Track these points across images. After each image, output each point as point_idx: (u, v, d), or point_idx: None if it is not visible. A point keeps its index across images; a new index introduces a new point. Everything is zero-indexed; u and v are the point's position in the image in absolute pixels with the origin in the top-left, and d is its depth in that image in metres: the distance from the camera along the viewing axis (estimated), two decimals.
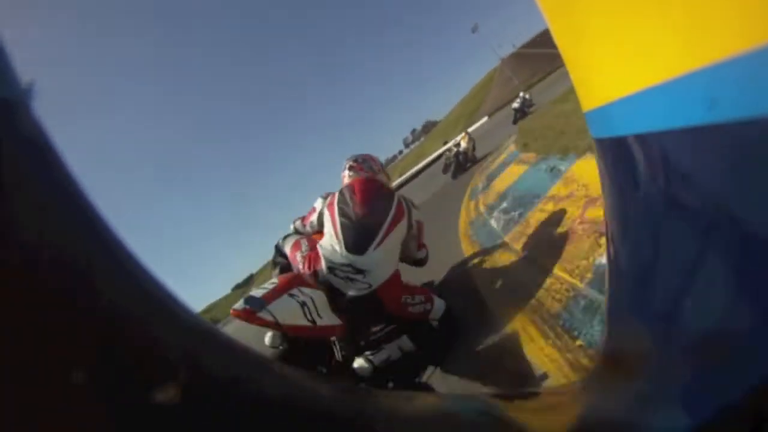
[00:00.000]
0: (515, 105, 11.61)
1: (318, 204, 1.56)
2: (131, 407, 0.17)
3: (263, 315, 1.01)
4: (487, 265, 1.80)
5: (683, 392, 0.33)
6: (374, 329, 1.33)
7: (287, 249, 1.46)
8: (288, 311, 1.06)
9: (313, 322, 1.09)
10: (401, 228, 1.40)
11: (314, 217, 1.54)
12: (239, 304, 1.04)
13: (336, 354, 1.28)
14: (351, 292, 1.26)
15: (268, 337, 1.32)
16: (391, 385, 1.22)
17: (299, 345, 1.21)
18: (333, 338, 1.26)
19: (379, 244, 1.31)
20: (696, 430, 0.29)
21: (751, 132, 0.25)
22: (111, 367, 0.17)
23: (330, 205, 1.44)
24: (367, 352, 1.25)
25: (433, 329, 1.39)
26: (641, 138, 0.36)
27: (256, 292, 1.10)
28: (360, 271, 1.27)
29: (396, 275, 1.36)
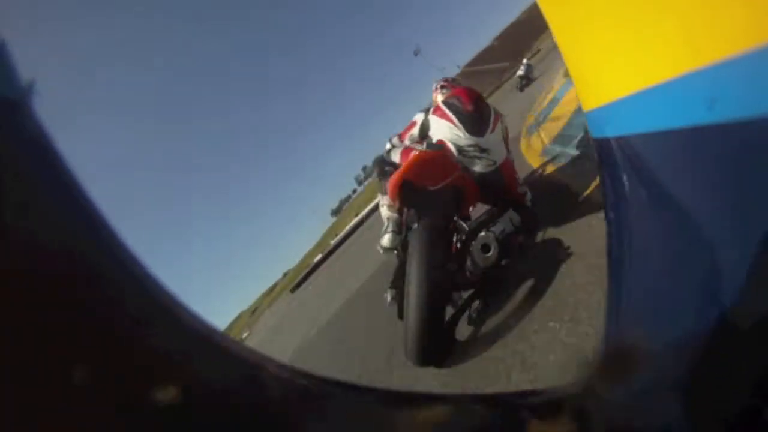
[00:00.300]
0: (520, 72, 11.82)
1: (419, 117, 1.75)
2: (131, 407, 0.17)
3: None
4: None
5: (683, 391, 0.33)
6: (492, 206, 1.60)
7: (397, 157, 1.67)
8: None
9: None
10: (501, 124, 1.67)
11: (415, 130, 1.74)
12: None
13: (456, 239, 1.44)
14: (479, 169, 1.50)
15: (386, 239, 1.61)
16: (504, 261, 1.43)
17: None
18: (456, 219, 1.45)
19: (492, 131, 1.55)
20: (696, 429, 0.29)
21: (752, 132, 0.25)
22: (111, 368, 0.17)
23: (437, 110, 1.63)
24: (490, 227, 1.46)
25: (528, 209, 1.62)
26: (642, 138, 0.36)
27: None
28: (484, 150, 1.50)
29: (510, 160, 1.65)
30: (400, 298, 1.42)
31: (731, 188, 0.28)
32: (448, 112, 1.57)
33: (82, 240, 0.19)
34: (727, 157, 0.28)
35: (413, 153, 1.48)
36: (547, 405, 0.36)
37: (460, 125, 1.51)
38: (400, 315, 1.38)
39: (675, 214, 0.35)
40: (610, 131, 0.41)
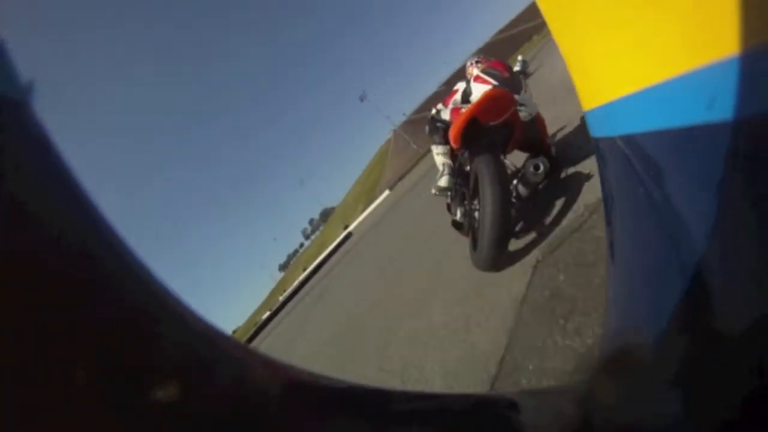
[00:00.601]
0: (516, 68, 12.15)
1: (460, 86, 2.17)
2: (131, 407, 0.17)
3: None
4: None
5: (682, 391, 0.33)
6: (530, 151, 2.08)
7: (447, 115, 2.12)
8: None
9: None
10: (529, 88, 2.22)
11: (458, 96, 2.14)
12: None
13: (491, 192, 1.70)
14: (521, 118, 1.91)
15: (443, 180, 2.03)
16: (541, 186, 1.91)
17: (467, 182, 1.81)
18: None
19: (525, 91, 2.07)
20: (696, 429, 0.29)
21: (750, 130, 0.25)
22: (111, 367, 0.17)
23: (477, 79, 2.06)
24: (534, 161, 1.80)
25: (554, 157, 2.05)
26: (641, 136, 0.36)
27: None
28: (522, 104, 1.93)
29: (541, 115, 2.08)
30: (468, 219, 1.83)
31: (730, 185, 0.29)
32: (488, 78, 1.99)
33: (82, 239, 0.19)
34: (726, 155, 0.28)
35: (486, 90, 1.82)
36: (547, 404, 0.36)
37: (501, 87, 1.89)
38: (467, 232, 1.89)
39: (675, 209, 0.35)
40: (610, 130, 0.41)
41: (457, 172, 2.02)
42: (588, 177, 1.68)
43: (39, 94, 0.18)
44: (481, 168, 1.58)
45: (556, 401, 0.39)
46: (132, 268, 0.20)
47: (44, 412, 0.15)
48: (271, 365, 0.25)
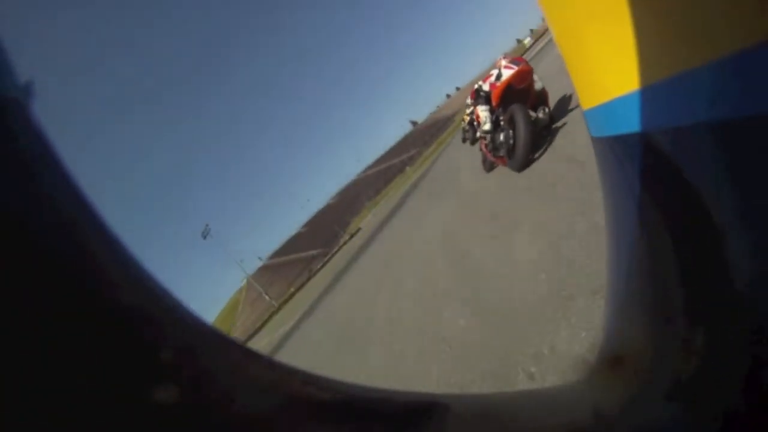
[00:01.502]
0: (464, 125, 11.84)
1: (494, 72, 3.58)
2: (131, 407, 0.17)
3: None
4: None
5: (683, 392, 0.33)
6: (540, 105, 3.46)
7: (487, 87, 3.73)
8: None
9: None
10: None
11: (493, 78, 3.59)
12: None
13: (514, 126, 3.27)
14: (536, 88, 3.45)
15: (487, 125, 3.74)
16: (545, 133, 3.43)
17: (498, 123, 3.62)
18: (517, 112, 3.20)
19: (535, 73, 3.49)
20: (696, 428, 0.29)
21: (751, 130, 0.25)
22: (111, 367, 0.17)
23: (506, 67, 3.45)
24: (542, 110, 3.41)
25: (551, 111, 3.50)
26: (641, 136, 0.36)
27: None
28: (536, 79, 3.46)
29: (545, 89, 3.56)
30: (507, 143, 3.37)
31: (731, 185, 0.29)
32: (513, 64, 3.40)
33: (82, 240, 0.19)
34: (727, 154, 0.28)
35: (515, 70, 3.32)
36: (546, 404, 0.36)
37: (525, 65, 3.43)
38: (506, 152, 3.46)
39: (675, 210, 0.35)
40: (609, 130, 0.41)
41: (494, 122, 3.70)
42: (562, 125, 3.41)
43: (38, 94, 0.19)
44: (516, 111, 3.08)
45: (556, 402, 0.39)
46: (132, 270, 0.20)
47: (44, 412, 0.15)
48: (271, 367, 0.25)
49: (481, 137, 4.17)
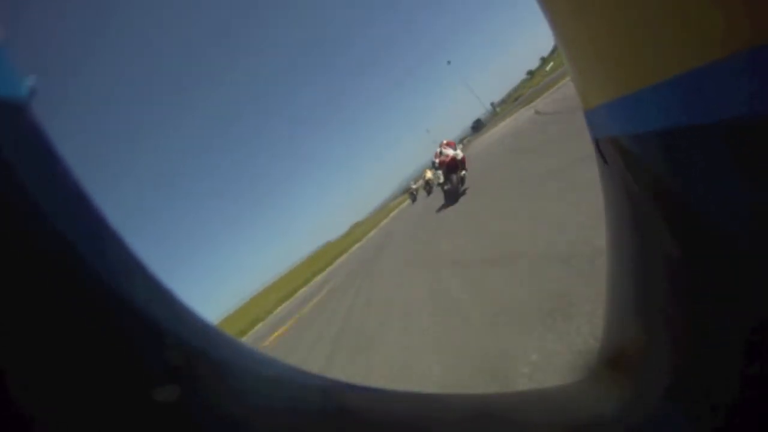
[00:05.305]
0: (441, 179, 16.21)
1: (437, 150, 7.68)
2: (131, 406, 0.17)
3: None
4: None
5: (683, 392, 0.33)
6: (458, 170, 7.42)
7: (437, 160, 7.66)
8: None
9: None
10: (462, 148, 8.85)
11: (438, 155, 7.55)
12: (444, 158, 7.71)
13: (451, 181, 7.45)
14: (458, 157, 7.48)
15: (438, 180, 9.03)
16: (462, 189, 7.31)
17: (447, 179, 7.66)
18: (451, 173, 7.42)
19: (459, 150, 7.77)
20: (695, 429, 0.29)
21: (751, 130, 0.25)
22: (110, 366, 0.17)
23: (445, 147, 7.62)
24: (459, 173, 7.54)
25: (465, 172, 7.64)
26: (641, 136, 0.36)
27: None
28: (458, 154, 7.64)
29: (464, 156, 7.58)
30: (449, 187, 7.46)
31: (731, 185, 0.29)
32: (449, 148, 7.53)
33: (83, 239, 0.19)
34: (726, 155, 0.28)
35: (446, 158, 7.33)
36: (545, 404, 0.36)
37: (452, 150, 7.50)
38: (442, 190, 8.22)
39: (674, 212, 0.35)
40: (610, 130, 0.41)
41: (440, 177, 7.99)
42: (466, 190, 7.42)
43: (39, 95, 0.18)
44: (450, 174, 7.31)
45: (556, 402, 0.39)
46: (134, 269, 0.20)
47: (44, 411, 0.15)
48: (273, 367, 0.25)
49: (439, 185, 8.84)
